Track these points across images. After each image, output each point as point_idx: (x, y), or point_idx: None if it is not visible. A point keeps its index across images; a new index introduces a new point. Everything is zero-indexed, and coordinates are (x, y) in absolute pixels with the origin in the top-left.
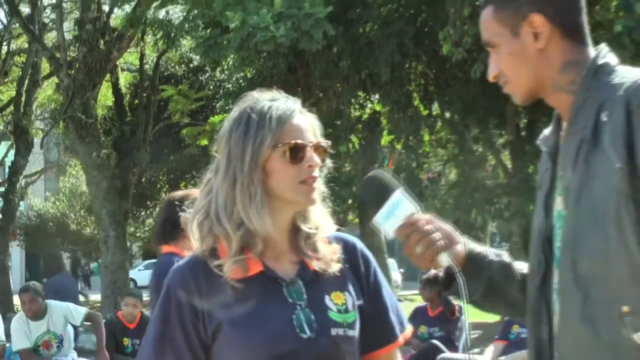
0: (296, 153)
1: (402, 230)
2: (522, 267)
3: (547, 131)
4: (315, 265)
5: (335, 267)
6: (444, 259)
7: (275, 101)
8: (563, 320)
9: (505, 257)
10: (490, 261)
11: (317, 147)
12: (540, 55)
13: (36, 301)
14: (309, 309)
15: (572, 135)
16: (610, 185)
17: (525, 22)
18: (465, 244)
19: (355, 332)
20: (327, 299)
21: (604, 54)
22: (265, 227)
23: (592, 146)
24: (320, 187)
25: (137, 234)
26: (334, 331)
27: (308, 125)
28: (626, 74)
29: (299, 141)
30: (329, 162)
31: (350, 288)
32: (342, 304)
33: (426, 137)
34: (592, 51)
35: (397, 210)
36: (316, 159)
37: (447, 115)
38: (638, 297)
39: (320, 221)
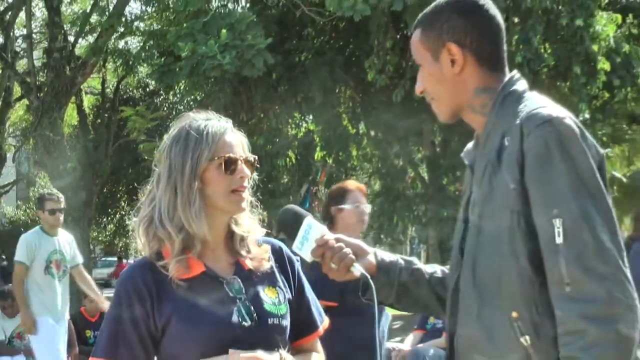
0: (230, 165)
1: (316, 252)
2: (433, 269)
3: (469, 145)
4: (249, 264)
5: (266, 265)
6: (356, 270)
7: (209, 120)
8: (462, 323)
9: (415, 263)
10: (400, 268)
11: (246, 162)
12: (456, 79)
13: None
14: (248, 302)
15: (482, 156)
16: (505, 204)
17: (444, 49)
18: (376, 254)
19: (287, 322)
20: (262, 293)
21: (514, 81)
22: (202, 229)
23: (496, 168)
24: (248, 197)
25: (100, 238)
26: (270, 320)
27: (238, 142)
28: (528, 102)
29: (232, 155)
30: (255, 175)
31: (281, 284)
32: (275, 297)
33: (354, 153)
34: (505, 76)
35: (309, 234)
36: (247, 170)
37: (372, 133)
38: (525, 304)
39: (251, 225)
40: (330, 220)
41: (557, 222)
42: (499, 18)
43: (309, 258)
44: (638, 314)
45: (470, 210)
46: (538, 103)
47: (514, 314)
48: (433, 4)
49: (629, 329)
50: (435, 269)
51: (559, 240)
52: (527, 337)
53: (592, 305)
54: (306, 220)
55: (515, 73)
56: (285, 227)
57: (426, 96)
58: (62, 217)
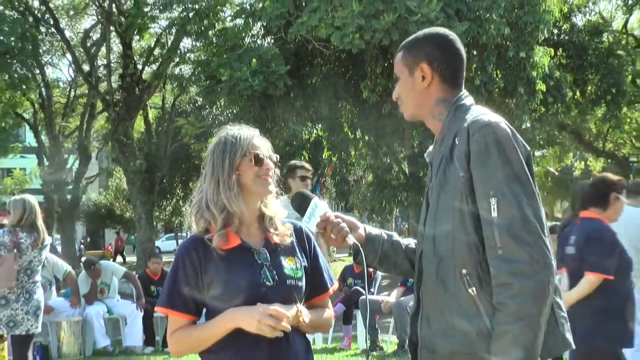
0: (257, 159)
1: (320, 225)
2: (408, 242)
3: (430, 148)
4: (275, 239)
5: (288, 240)
6: (350, 240)
7: (241, 129)
8: (425, 279)
9: (395, 236)
10: (383, 240)
11: (270, 159)
12: (424, 91)
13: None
14: (272, 267)
15: (438, 152)
16: (456, 188)
17: (418, 67)
18: (365, 228)
19: (302, 284)
20: (283, 261)
21: (464, 97)
22: (240, 207)
23: (449, 161)
24: (274, 183)
25: (161, 217)
26: (288, 282)
27: (263, 145)
28: (474, 112)
29: (259, 152)
30: (277, 171)
31: (299, 255)
32: (294, 264)
33: (352, 152)
34: (460, 93)
35: (315, 211)
36: (271, 163)
37: (366, 138)
38: (472, 264)
39: (277, 209)
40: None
41: (493, 201)
42: (462, 50)
43: (314, 229)
44: (553, 271)
45: (430, 196)
46: (481, 112)
47: (464, 271)
48: (414, 35)
49: (544, 282)
50: (410, 242)
51: (494, 214)
52: (474, 288)
53: (517, 264)
54: (313, 200)
55: (465, 91)
56: (296, 205)
57: (398, 101)
58: (310, 185)
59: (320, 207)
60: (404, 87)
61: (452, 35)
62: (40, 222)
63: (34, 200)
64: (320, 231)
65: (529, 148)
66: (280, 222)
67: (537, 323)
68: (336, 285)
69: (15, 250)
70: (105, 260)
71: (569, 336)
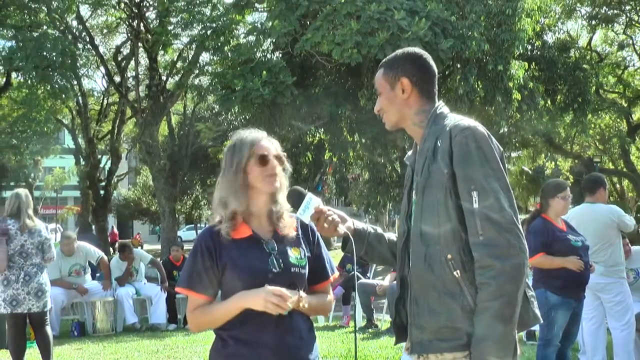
0: (262, 160)
1: (314, 216)
2: (390, 235)
3: (409, 152)
4: (282, 231)
5: (294, 233)
6: (341, 229)
7: (251, 133)
8: (414, 264)
9: (379, 230)
10: (369, 232)
11: (277, 157)
12: (404, 102)
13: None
14: (278, 255)
15: (421, 154)
16: (441, 183)
17: (398, 82)
18: (353, 222)
19: (305, 272)
20: (289, 251)
21: (441, 107)
22: (240, 205)
23: (432, 161)
24: (280, 180)
25: (182, 210)
26: (292, 269)
27: (271, 145)
28: (452, 119)
29: (265, 153)
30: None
31: (303, 246)
32: (298, 254)
33: (351, 154)
34: (435, 104)
35: (309, 205)
36: (275, 163)
37: (363, 140)
38: (456, 249)
39: (286, 205)
40: None
41: (474, 194)
42: (434, 67)
43: (307, 221)
44: (527, 255)
45: (414, 193)
46: (459, 118)
47: (449, 256)
48: (392, 55)
49: (520, 264)
50: (391, 235)
51: (475, 205)
52: (458, 271)
53: (497, 248)
54: (308, 195)
55: (442, 102)
56: (292, 200)
57: (381, 113)
58: None
59: (314, 200)
60: (386, 101)
61: (425, 54)
62: (25, 211)
63: (22, 193)
64: (313, 221)
65: (501, 148)
66: (288, 216)
67: (515, 300)
68: (337, 274)
69: (5, 237)
70: (134, 248)
71: (537, 312)
